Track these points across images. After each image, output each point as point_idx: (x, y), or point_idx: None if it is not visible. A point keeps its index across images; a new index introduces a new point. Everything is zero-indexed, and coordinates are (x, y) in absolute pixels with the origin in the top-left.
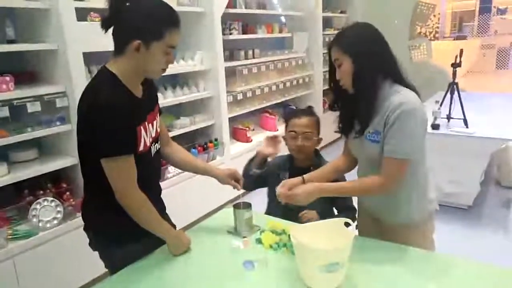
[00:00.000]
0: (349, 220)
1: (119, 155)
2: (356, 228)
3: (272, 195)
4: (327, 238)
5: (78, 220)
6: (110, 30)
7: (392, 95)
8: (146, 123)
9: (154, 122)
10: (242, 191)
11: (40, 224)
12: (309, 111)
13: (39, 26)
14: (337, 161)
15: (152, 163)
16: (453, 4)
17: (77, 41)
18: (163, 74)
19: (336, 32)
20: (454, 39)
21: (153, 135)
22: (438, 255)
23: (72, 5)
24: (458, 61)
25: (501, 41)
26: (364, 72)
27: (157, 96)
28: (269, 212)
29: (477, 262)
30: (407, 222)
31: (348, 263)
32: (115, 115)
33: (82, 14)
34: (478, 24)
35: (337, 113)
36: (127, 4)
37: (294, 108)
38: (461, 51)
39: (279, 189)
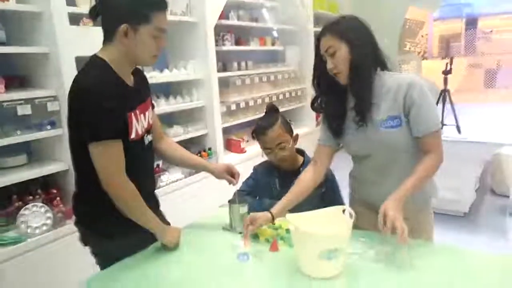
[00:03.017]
0: (345, 207)
1: (108, 139)
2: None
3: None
4: (325, 225)
5: (69, 227)
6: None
7: (389, 78)
8: (138, 112)
9: (146, 113)
10: (238, 186)
11: (29, 230)
12: (270, 118)
13: (31, 30)
14: (303, 179)
15: (146, 153)
16: (440, 27)
17: (69, 45)
18: (156, 82)
19: None
20: (442, 58)
21: (145, 126)
22: (440, 245)
23: (65, 10)
24: (448, 68)
25: (487, 62)
26: (362, 57)
27: (149, 89)
28: None
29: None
30: (414, 206)
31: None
32: (103, 97)
33: (75, 20)
34: (465, 43)
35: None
36: None
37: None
38: (451, 59)
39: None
